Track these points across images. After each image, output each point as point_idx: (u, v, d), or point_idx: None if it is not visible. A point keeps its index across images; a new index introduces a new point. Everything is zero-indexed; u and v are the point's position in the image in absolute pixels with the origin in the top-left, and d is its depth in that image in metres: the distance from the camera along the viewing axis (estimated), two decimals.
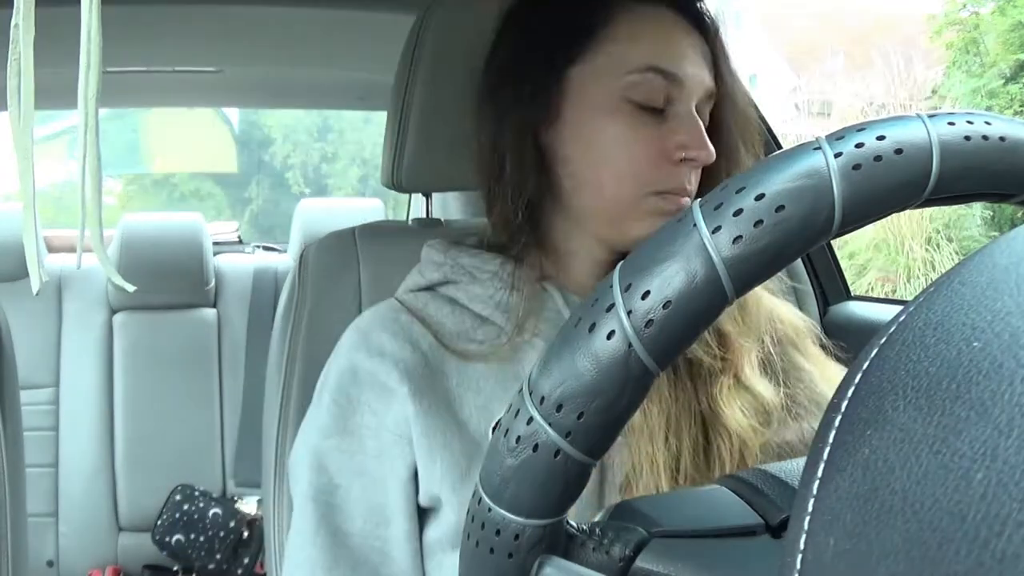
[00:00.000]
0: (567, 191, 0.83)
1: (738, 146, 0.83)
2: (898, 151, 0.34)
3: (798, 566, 0.25)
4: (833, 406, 0.27)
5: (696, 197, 0.73)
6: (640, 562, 0.37)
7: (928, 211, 5.71)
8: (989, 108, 6.35)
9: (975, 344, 0.24)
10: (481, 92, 0.87)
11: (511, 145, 0.82)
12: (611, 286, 0.34)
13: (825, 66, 7.49)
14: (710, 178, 0.81)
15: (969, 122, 0.36)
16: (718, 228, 0.33)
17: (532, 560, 0.36)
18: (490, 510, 0.36)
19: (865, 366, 0.27)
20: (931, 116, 0.36)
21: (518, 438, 0.34)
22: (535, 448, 0.34)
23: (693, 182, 0.80)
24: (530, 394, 0.34)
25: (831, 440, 0.26)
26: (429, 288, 0.88)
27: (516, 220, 0.83)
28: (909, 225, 5.85)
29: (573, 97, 0.81)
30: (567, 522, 0.38)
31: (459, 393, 0.81)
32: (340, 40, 1.84)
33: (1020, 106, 6.35)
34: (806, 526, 0.25)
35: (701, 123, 0.80)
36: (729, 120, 0.83)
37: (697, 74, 0.80)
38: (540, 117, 0.82)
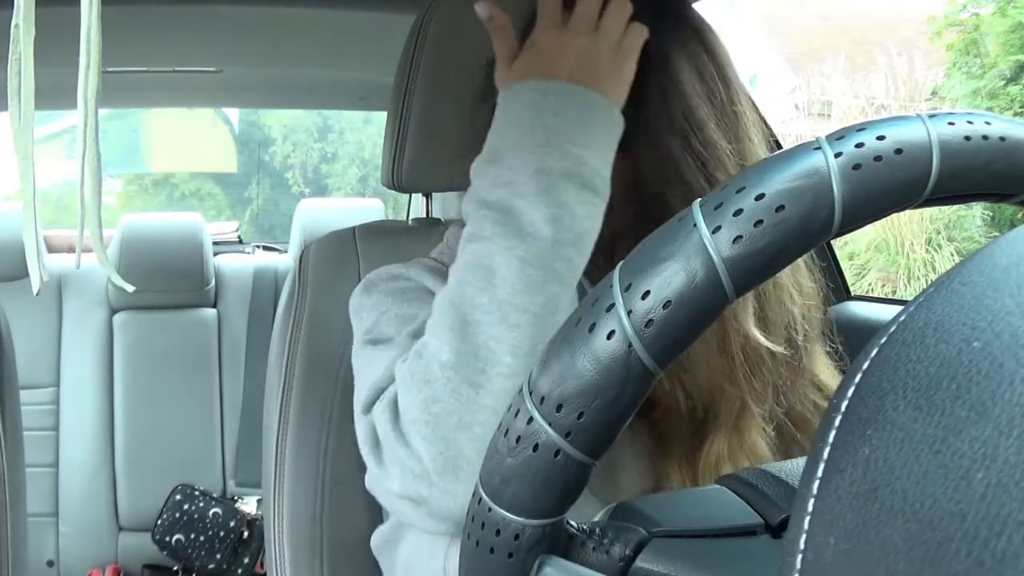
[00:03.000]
0: None
1: None
2: (898, 151, 0.34)
3: (798, 566, 0.25)
4: (833, 406, 0.27)
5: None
6: (640, 562, 0.37)
7: (928, 212, 5.71)
8: (989, 109, 6.35)
9: (975, 344, 0.24)
10: (480, 91, 0.87)
11: None
12: (611, 286, 0.34)
13: (825, 67, 7.48)
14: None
15: (969, 122, 0.36)
16: (718, 228, 0.33)
17: (532, 560, 0.36)
18: (490, 510, 0.36)
19: (865, 366, 0.27)
20: (931, 116, 0.36)
21: (518, 438, 0.34)
22: (535, 448, 0.34)
23: None
24: (530, 394, 0.34)
25: (831, 440, 0.26)
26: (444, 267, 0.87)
27: None
28: (909, 226, 5.84)
29: None
30: (567, 522, 0.38)
31: None
32: (340, 40, 1.84)
33: (1020, 107, 6.35)
34: (806, 526, 0.25)
35: None
36: None
37: None
38: None
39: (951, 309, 0.26)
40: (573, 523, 0.38)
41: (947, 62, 7.06)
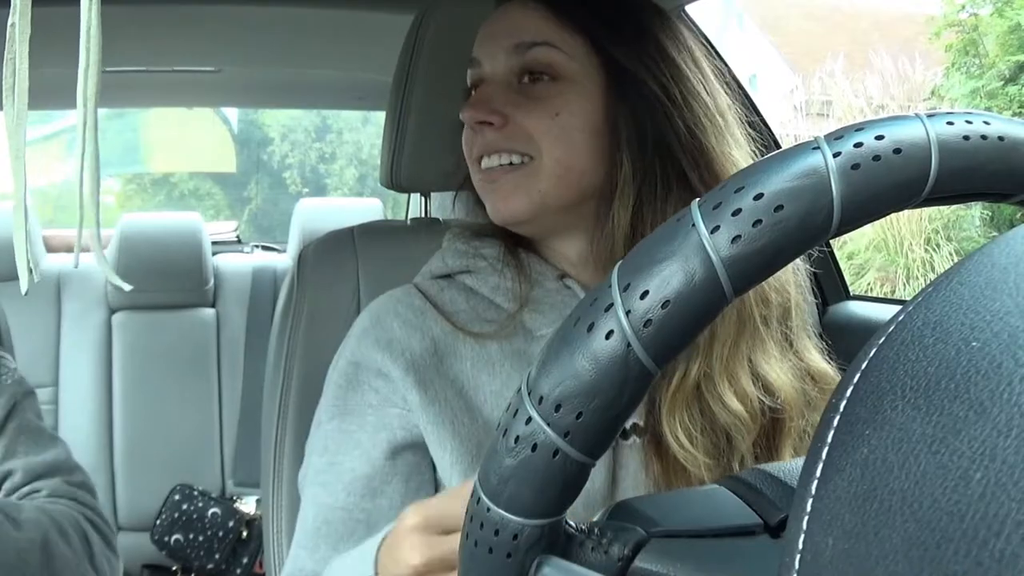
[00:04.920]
0: None
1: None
2: (897, 151, 0.34)
3: (796, 566, 0.24)
4: (832, 406, 0.27)
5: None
6: (639, 562, 0.37)
7: (927, 211, 5.71)
8: (988, 109, 6.34)
9: (974, 344, 0.24)
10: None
11: None
12: (610, 286, 0.34)
13: (825, 67, 7.48)
14: None
15: (968, 122, 0.36)
16: (717, 228, 0.33)
17: (531, 560, 0.36)
18: (489, 510, 0.36)
19: (864, 366, 0.27)
20: (930, 116, 0.36)
21: (517, 438, 0.34)
22: (533, 448, 0.34)
23: (491, 140, 0.83)
24: (529, 394, 0.34)
25: (830, 440, 0.26)
26: (447, 276, 0.90)
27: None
28: (908, 225, 5.85)
29: None
30: (566, 522, 0.38)
31: (474, 375, 0.83)
32: (339, 40, 1.84)
33: (1019, 107, 6.35)
34: (804, 526, 0.25)
35: (496, 86, 0.84)
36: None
37: (490, 49, 0.85)
38: None
39: (949, 309, 0.26)
40: (572, 523, 0.38)
41: (946, 62, 7.07)
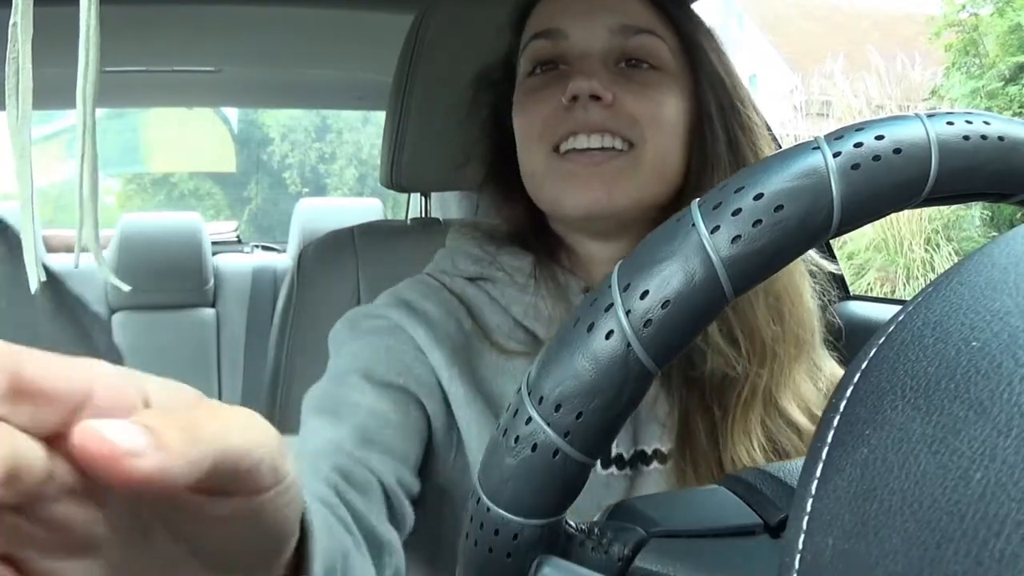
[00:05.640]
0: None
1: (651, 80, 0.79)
2: (897, 151, 0.34)
3: (796, 566, 0.24)
4: (832, 406, 0.27)
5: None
6: (639, 562, 0.37)
7: (927, 211, 5.71)
8: (988, 109, 6.33)
9: (974, 344, 0.24)
10: (468, 104, 0.87)
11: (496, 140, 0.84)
12: (609, 286, 0.34)
13: (825, 67, 7.47)
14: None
15: (968, 122, 0.36)
16: (717, 227, 0.33)
17: (531, 560, 0.36)
18: (489, 510, 0.36)
19: (864, 366, 0.27)
20: (930, 116, 0.36)
21: (517, 438, 0.34)
22: (534, 448, 0.34)
23: (597, 119, 0.75)
24: (529, 394, 0.34)
25: (829, 440, 0.26)
26: (467, 279, 0.83)
27: (522, 219, 0.83)
28: (908, 226, 5.85)
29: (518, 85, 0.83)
30: (566, 522, 0.38)
31: (499, 383, 0.77)
32: (339, 40, 1.84)
33: (1019, 107, 6.35)
34: (804, 526, 0.25)
35: (596, 62, 0.77)
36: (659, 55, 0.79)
37: (586, 24, 0.78)
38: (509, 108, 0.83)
39: (949, 309, 0.26)
40: (572, 523, 0.38)
41: (946, 62, 7.07)
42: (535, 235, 0.83)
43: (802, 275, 0.79)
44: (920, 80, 7.05)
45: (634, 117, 0.75)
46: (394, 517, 0.68)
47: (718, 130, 0.78)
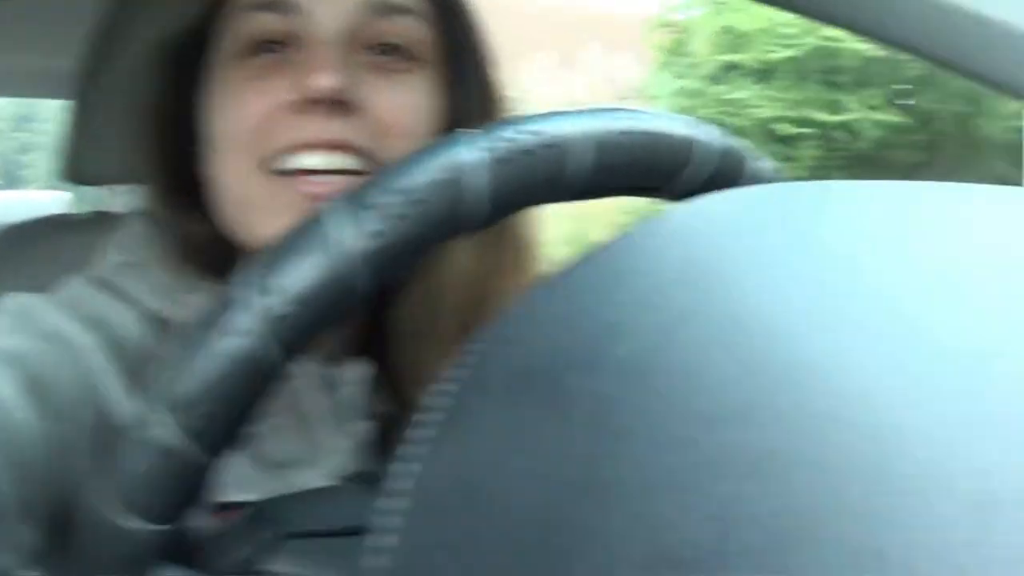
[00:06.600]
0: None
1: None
2: (549, 145, 0.34)
3: (388, 565, 0.23)
4: (419, 405, 0.26)
5: None
6: (270, 564, 0.36)
7: (621, 203, 6.06)
8: (694, 108, 6.80)
9: (560, 339, 0.24)
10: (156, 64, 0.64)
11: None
12: (240, 283, 0.32)
13: (533, 65, 7.74)
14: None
15: (623, 117, 0.37)
16: (353, 222, 0.32)
17: (151, 568, 0.33)
18: (106, 518, 0.33)
19: (457, 364, 0.26)
20: (589, 112, 0.37)
21: (137, 439, 0.32)
22: (152, 450, 0.31)
23: (337, 131, 0.56)
24: (154, 396, 0.32)
25: (418, 437, 0.25)
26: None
27: (209, 243, 0.61)
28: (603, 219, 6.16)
29: (211, 59, 0.60)
30: (191, 527, 0.35)
31: None
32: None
33: (722, 106, 6.85)
34: (397, 525, 0.24)
35: (339, 49, 0.56)
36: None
37: (330, 3, 0.57)
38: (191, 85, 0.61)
39: (546, 304, 0.26)
40: (200, 528, 0.36)
41: (656, 61, 7.53)
42: (224, 263, 0.58)
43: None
44: (630, 79, 7.49)
45: (384, 127, 0.57)
46: None
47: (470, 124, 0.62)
